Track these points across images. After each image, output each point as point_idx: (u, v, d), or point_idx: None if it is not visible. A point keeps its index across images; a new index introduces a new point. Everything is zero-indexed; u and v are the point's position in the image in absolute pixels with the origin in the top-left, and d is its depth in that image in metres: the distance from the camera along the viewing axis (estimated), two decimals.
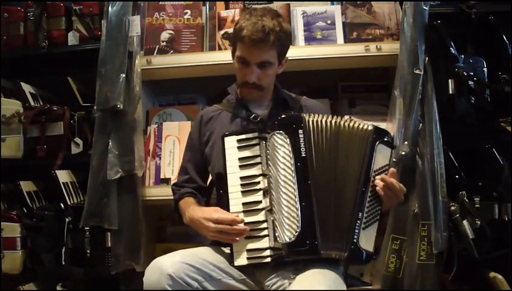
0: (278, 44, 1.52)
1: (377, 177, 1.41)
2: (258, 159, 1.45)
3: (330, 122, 1.45)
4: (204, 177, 1.69)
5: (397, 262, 1.78)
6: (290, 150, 1.40)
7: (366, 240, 1.40)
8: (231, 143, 1.48)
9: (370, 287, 1.90)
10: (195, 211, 1.51)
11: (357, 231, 1.38)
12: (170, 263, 1.32)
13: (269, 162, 1.42)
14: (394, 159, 1.78)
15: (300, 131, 1.41)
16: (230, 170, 1.46)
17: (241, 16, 1.59)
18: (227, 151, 1.48)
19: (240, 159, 1.46)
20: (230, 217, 1.41)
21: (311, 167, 1.39)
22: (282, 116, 1.47)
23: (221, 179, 1.48)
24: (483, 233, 1.71)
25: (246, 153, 1.46)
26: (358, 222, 1.38)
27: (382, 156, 1.45)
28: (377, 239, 1.43)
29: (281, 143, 1.41)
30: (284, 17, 1.64)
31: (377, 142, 1.45)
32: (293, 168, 1.38)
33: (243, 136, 1.48)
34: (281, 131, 1.41)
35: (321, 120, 1.44)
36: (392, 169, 1.45)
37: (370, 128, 1.46)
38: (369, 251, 1.40)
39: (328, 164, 1.42)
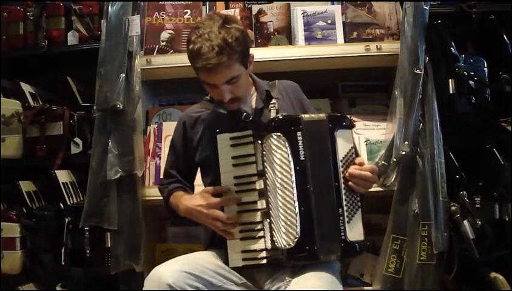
0: (236, 55, 1.40)
1: (346, 171, 1.38)
2: (252, 159, 1.40)
3: (316, 120, 1.40)
4: (189, 180, 1.67)
5: (397, 263, 1.78)
6: (288, 153, 1.35)
7: (354, 231, 1.36)
8: (224, 141, 1.43)
9: (370, 287, 1.90)
10: (187, 200, 1.48)
11: (342, 228, 1.34)
12: (169, 272, 1.31)
13: (265, 163, 1.38)
14: (395, 159, 1.79)
15: (299, 133, 1.36)
16: (224, 168, 1.42)
17: (189, 34, 1.44)
18: (220, 150, 1.43)
19: (234, 157, 1.41)
20: (220, 199, 1.40)
21: (310, 170, 1.35)
22: (280, 117, 1.41)
23: (217, 180, 1.44)
24: (483, 233, 1.70)
25: (240, 152, 1.41)
26: (341, 218, 1.35)
27: (344, 141, 1.40)
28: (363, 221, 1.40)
29: (279, 146, 1.36)
30: (239, 22, 1.49)
31: (335, 130, 1.39)
32: (292, 173, 1.34)
33: (236, 134, 1.42)
34: (279, 133, 1.36)
35: (312, 119, 1.40)
36: (358, 158, 1.42)
37: (324, 118, 1.40)
38: (360, 240, 1.37)
39: (321, 164, 1.37)
